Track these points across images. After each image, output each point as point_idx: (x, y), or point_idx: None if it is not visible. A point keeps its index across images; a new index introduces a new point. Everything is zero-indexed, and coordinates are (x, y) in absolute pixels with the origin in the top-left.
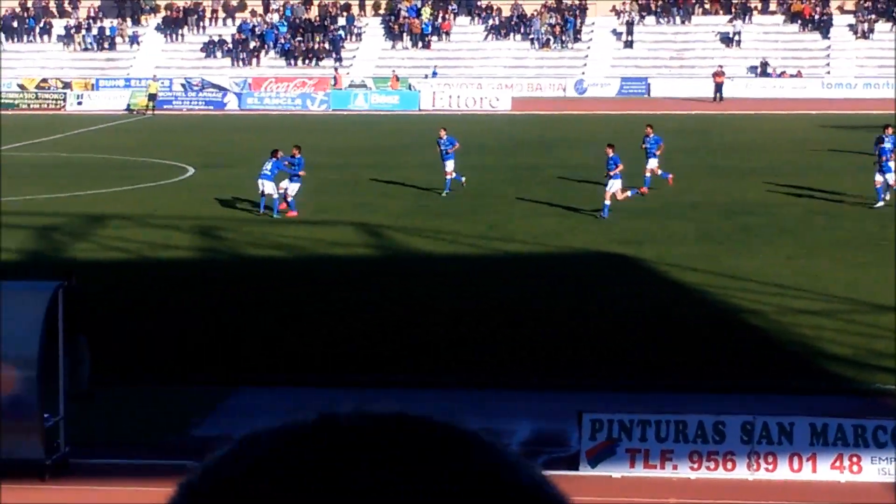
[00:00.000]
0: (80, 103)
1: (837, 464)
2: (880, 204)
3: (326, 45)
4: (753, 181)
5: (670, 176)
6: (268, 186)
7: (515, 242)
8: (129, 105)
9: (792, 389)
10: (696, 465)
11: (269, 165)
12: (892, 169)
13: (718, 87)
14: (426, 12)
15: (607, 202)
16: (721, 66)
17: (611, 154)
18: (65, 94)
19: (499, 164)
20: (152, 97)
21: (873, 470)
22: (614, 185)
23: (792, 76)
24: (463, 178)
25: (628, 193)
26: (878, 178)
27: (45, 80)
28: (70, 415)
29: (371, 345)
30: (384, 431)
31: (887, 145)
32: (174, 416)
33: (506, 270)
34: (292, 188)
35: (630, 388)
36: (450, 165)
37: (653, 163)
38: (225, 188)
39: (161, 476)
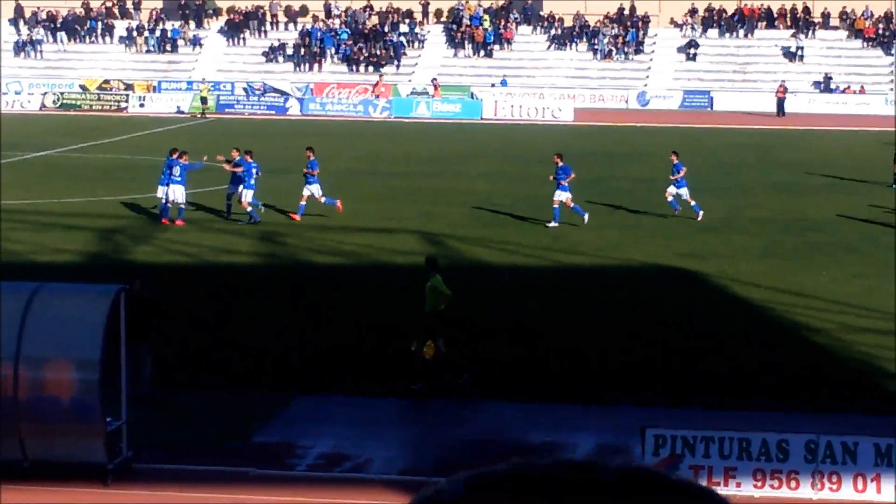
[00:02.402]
0: (142, 105)
1: None
2: None
3: (388, 52)
4: (817, 198)
5: (338, 202)
6: (179, 193)
7: (578, 254)
8: (180, 108)
9: (856, 409)
10: (759, 484)
11: (177, 170)
12: None
13: (780, 102)
14: (486, 20)
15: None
16: (783, 82)
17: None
18: (127, 95)
19: None
20: (204, 100)
21: None
22: None
23: (856, 92)
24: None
25: None
26: None
27: (106, 82)
28: (132, 419)
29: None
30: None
31: None
32: (236, 422)
33: (568, 282)
34: (247, 194)
35: (693, 404)
36: (317, 190)
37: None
38: (288, 194)
39: (222, 482)
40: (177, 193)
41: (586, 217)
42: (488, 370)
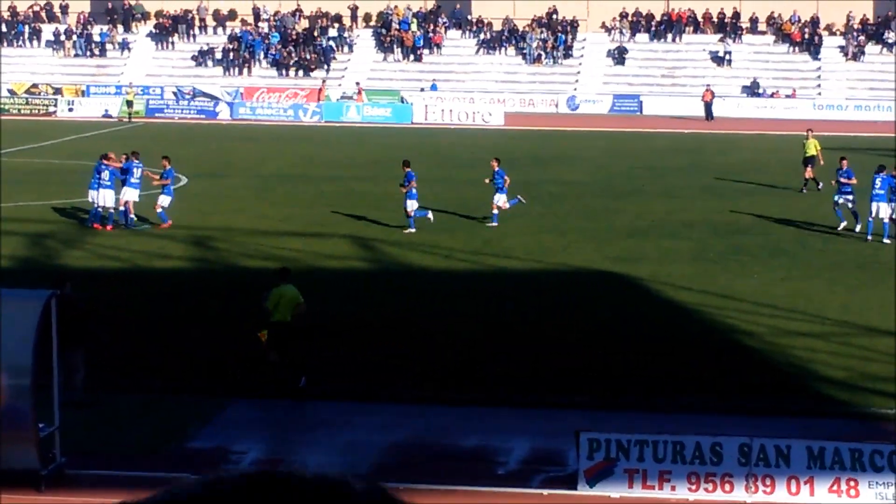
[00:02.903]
0: (71, 110)
1: (835, 487)
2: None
3: (318, 56)
4: (747, 201)
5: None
6: (109, 197)
7: (511, 259)
8: (108, 112)
9: (788, 412)
10: (694, 487)
11: (106, 174)
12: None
13: (707, 106)
14: (414, 24)
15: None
16: (709, 86)
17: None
18: (56, 99)
19: None
20: (129, 104)
21: (870, 494)
22: None
23: (787, 96)
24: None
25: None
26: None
27: (35, 86)
28: (65, 424)
29: (365, 360)
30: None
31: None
32: (171, 427)
33: (501, 287)
34: (164, 200)
35: (627, 407)
36: (166, 201)
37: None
38: (218, 198)
39: (157, 487)
40: (106, 198)
41: (430, 215)
42: (425, 373)
